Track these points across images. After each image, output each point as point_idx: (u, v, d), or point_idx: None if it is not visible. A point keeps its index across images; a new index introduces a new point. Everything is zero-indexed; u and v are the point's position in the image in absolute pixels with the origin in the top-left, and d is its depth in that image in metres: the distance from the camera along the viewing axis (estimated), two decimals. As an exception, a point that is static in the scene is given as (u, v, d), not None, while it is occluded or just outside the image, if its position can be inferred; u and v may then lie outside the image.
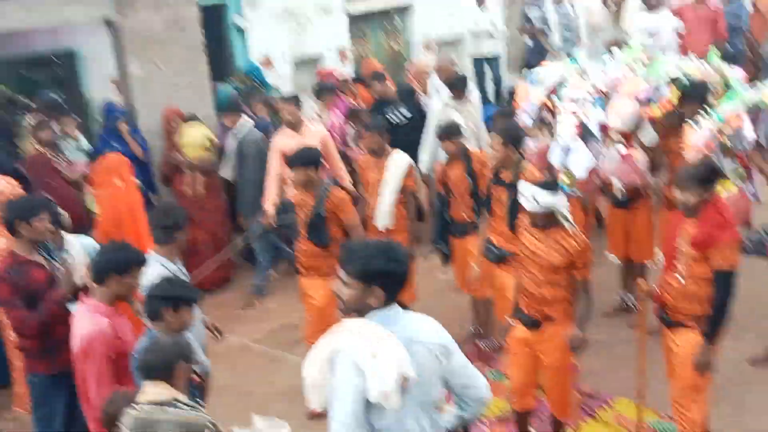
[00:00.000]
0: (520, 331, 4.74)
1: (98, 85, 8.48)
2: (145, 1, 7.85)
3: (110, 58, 8.21)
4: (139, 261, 4.30)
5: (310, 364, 3.06)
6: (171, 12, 7.97)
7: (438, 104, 7.91)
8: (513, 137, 5.43)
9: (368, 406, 2.93)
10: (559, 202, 4.40)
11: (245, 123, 7.70)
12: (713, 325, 4.27)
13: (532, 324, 4.65)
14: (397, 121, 8.09)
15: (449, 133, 6.08)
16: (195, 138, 7.60)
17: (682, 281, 4.32)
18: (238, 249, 7.55)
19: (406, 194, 6.30)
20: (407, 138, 6.46)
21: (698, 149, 4.99)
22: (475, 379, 3.27)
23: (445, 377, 3.16)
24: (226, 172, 7.82)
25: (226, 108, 7.79)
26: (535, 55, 10.83)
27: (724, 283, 4.21)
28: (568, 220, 4.46)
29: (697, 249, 4.22)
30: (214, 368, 5.95)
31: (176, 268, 4.71)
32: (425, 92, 8.72)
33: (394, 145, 6.46)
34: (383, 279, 3.02)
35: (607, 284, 7.03)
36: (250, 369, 6.54)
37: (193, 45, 8.13)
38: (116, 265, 4.20)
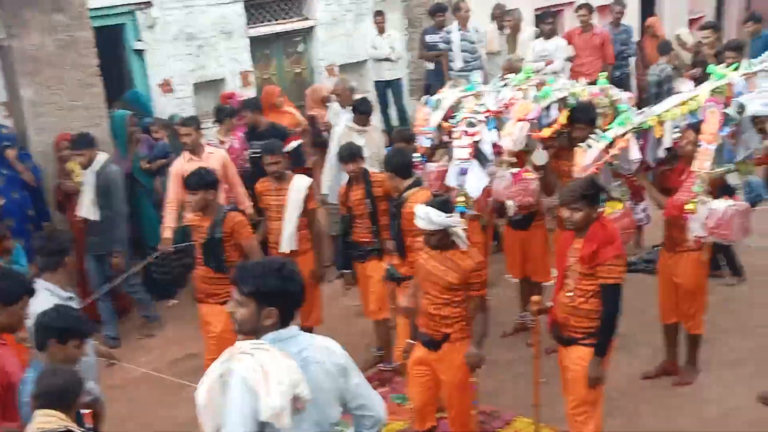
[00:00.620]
0: (419, 351, 4.78)
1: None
2: (36, 22, 7.59)
3: (0, 80, 7.92)
4: (27, 289, 4.13)
5: (202, 386, 2.99)
6: (64, 34, 7.72)
7: (340, 128, 7.96)
8: (397, 167, 5.65)
9: (262, 427, 2.88)
10: (452, 221, 4.48)
11: (101, 157, 7.15)
12: (602, 338, 4.40)
13: (431, 344, 4.69)
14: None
15: (351, 155, 6.13)
16: (87, 164, 7.35)
17: (573, 298, 4.44)
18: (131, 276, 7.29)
19: (309, 217, 6.29)
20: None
21: (587, 170, 5.15)
22: (372, 400, 3.27)
23: (342, 397, 3.15)
24: (86, 211, 7.14)
25: (76, 144, 7.10)
26: (435, 79, 11.05)
27: (611, 296, 4.35)
28: (462, 239, 4.54)
29: (584, 265, 4.36)
30: (113, 400, 5.79)
31: (66, 295, 4.56)
32: (323, 117, 8.74)
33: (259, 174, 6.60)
34: (277, 298, 2.99)
35: (506, 304, 7.20)
36: (150, 400, 6.35)
37: (87, 68, 7.90)
38: (2, 294, 4.02)
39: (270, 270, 3.01)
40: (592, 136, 5.41)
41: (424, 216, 4.45)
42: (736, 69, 5.31)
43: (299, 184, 6.25)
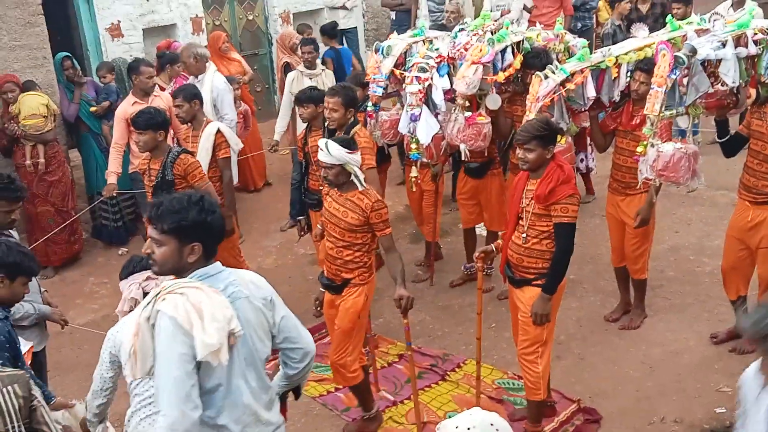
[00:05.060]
0: (328, 294, 4.82)
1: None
2: (-24, -41, 7.31)
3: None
4: None
5: (127, 332, 2.86)
6: (6, -28, 7.46)
7: (292, 74, 7.89)
8: (349, 100, 5.57)
9: (197, 367, 2.78)
10: (351, 158, 4.46)
11: None
12: (552, 276, 4.39)
13: (332, 288, 4.72)
14: None
15: (307, 99, 5.98)
16: (32, 107, 7.16)
17: (526, 239, 4.44)
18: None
19: (218, 166, 6.07)
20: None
21: (542, 100, 5.09)
22: (300, 333, 3.23)
23: (270, 332, 3.10)
24: None
25: None
26: (399, 29, 10.88)
27: (564, 235, 4.34)
28: (360, 180, 4.53)
29: (539, 204, 4.34)
30: (61, 348, 5.69)
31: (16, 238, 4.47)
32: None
33: None
34: (200, 232, 2.90)
35: (460, 253, 7.23)
36: (98, 347, 6.25)
37: (29, 6, 7.60)
38: None
39: (190, 204, 2.90)
40: (550, 66, 5.36)
41: (324, 147, 4.43)
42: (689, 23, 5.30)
43: (208, 130, 6.08)
